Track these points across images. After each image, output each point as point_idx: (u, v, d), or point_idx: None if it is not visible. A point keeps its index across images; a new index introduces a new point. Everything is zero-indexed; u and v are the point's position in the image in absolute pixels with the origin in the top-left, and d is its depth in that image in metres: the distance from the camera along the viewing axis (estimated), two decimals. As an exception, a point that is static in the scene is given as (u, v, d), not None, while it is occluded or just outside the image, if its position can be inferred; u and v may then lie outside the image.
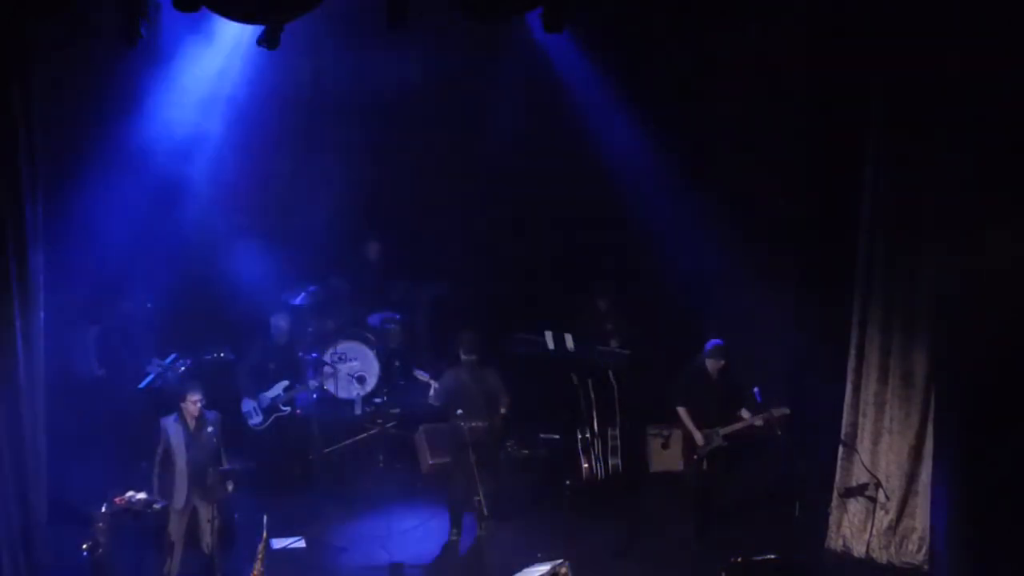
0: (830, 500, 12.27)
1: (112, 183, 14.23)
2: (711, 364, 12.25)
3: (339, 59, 14.97)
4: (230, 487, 11.37)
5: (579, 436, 13.59)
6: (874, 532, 11.99)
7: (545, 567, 10.76)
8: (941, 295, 11.34)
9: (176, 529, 11.33)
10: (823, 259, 12.89)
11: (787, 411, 12.07)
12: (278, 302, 14.25)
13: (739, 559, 11.41)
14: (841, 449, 12.15)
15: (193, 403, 11.36)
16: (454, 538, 12.38)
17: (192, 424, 11.39)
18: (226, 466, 11.36)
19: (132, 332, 14.02)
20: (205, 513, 11.34)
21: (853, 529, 12.14)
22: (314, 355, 14.06)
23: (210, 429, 11.39)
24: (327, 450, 13.96)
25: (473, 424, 12.09)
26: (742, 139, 13.81)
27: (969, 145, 10.91)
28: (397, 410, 14.49)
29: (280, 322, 13.74)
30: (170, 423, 11.42)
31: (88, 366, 14.34)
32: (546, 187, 15.02)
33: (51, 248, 11.15)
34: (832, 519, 12.25)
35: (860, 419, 12.04)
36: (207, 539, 11.35)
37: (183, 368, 13.80)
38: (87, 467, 13.37)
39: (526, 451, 14.25)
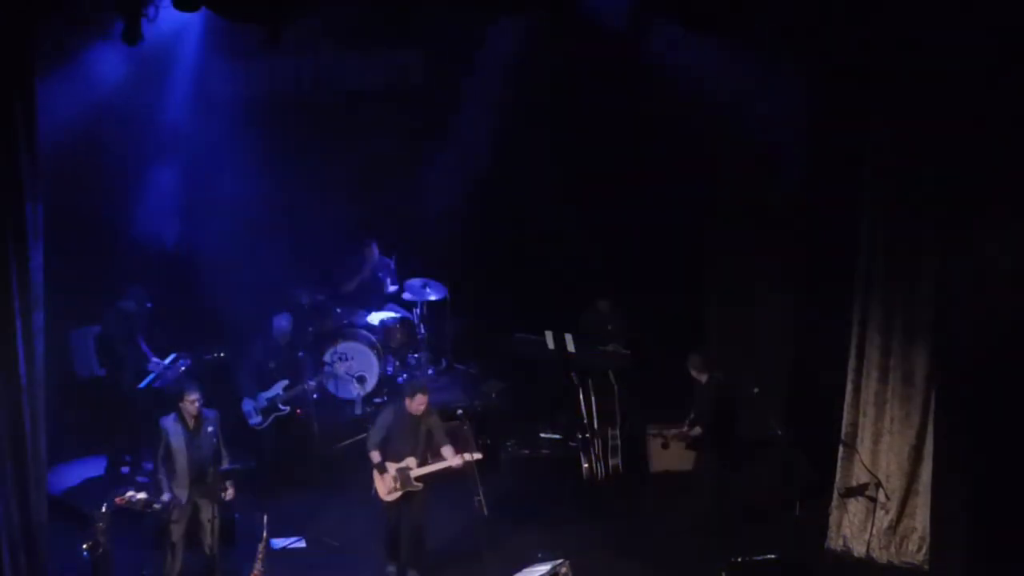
0: (830, 500, 12.26)
1: (112, 183, 14.27)
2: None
3: (337, 59, 15.01)
4: (230, 489, 11.37)
5: (579, 436, 13.59)
6: (874, 532, 11.98)
7: (545, 567, 10.76)
8: (941, 295, 11.34)
9: (177, 528, 11.34)
10: (823, 259, 12.89)
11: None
12: (280, 302, 14.26)
13: (739, 559, 11.42)
14: (841, 449, 12.14)
15: (191, 403, 11.37)
16: (390, 571, 11.91)
17: (191, 424, 11.39)
18: (226, 465, 11.37)
19: (132, 332, 14.02)
20: (206, 513, 11.34)
21: (853, 529, 12.14)
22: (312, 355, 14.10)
23: (210, 428, 11.39)
24: (327, 450, 13.96)
25: (401, 465, 11.64)
26: (743, 139, 13.82)
27: (969, 144, 10.90)
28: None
29: (282, 322, 13.75)
30: (169, 423, 11.42)
31: (88, 366, 14.36)
32: (547, 186, 15.03)
33: (51, 248, 11.14)
34: (832, 519, 12.25)
35: (860, 419, 12.04)
36: (208, 539, 11.35)
37: (183, 368, 13.81)
38: (87, 467, 13.41)
39: (526, 451, 14.27)
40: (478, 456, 11.76)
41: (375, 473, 11.71)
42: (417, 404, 11.61)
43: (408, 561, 11.81)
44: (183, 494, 11.30)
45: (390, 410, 11.94)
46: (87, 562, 10.73)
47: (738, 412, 12.67)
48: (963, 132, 10.96)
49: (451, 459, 11.57)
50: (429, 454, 11.63)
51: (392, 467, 11.61)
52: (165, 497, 11.23)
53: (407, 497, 11.67)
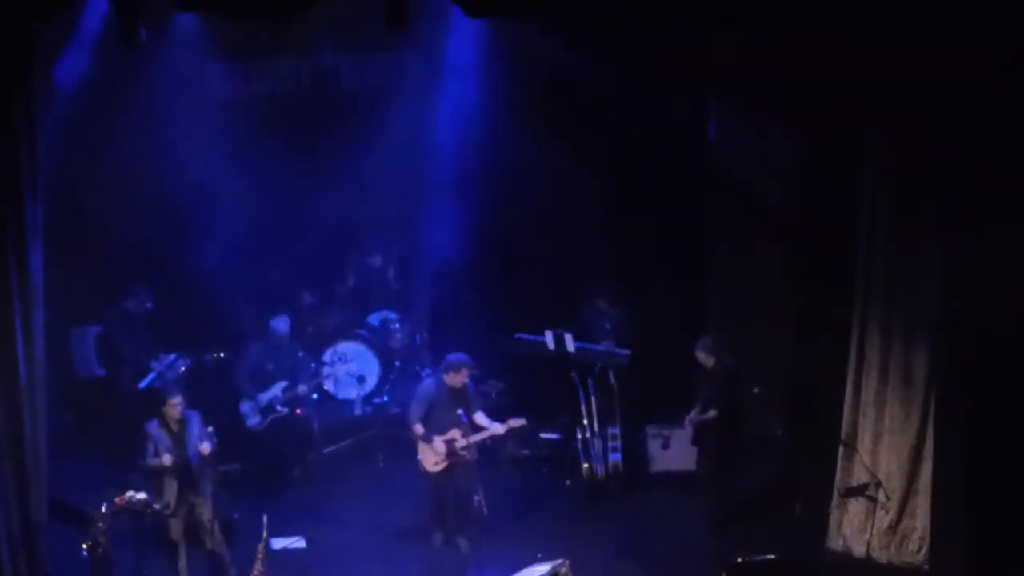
0: (830, 500, 12.26)
1: (112, 182, 14.26)
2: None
3: (338, 59, 15.01)
4: (207, 445, 11.41)
5: (579, 436, 13.59)
6: (874, 532, 11.98)
7: (545, 567, 10.76)
8: (941, 295, 11.34)
9: (176, 530, 11.36)
10: (823, 259, 12.88)
11: None
12: (280, 303, 14.25)
13: (739, 559, 11.42)
14: (841, 449, 12.14)
15: (173, 406, 11.34)
16: (437, 538, 12.22)
17: (175, 427, 11.37)
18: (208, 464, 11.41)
19: (132, 332, 14.02)
20: (205, 513, 11.35)
21: (853, 529, 12.14)
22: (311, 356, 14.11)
23: (195, 429, 11.38)
24: (327, 450, 13.97)
25: (447, 437, 11.91)
26: (743, 139, 13.82)
27: (970, 144, 10.91)
28: (397, 410, 14.49)
29: (280, 325, 13.74)
30: (154, 428, 11.37)
31: (88, 366, 14.36)
32: (547, 185, 15.02)
33: (51, 248, 11.14)
34: (832, 519, 12.24)
35: (860, 419, 12.03)
36: (210, 538, 11.37)
37: (183, 368, 13.81)
38: (87, 467, 13.41)
39: (526, 451, 14.26)
40: (522, 422, 12.23)
41: (420, 445, 12.06)
42: (461, 378, 12.01)
43: (457, 530, 12.12)
44: (173, 497, 11.31)
45: (430, 384, 12.32)
46: (87, 562, 10.74)
47: (744, 400, 12.70)
48: (963, 131, 10.97)
49: (494, 427, 12.01)
50: (471, 425, 11.94)
51: (438, 439, 11.93)
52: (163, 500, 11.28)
53: (452, 468, 11.97)
